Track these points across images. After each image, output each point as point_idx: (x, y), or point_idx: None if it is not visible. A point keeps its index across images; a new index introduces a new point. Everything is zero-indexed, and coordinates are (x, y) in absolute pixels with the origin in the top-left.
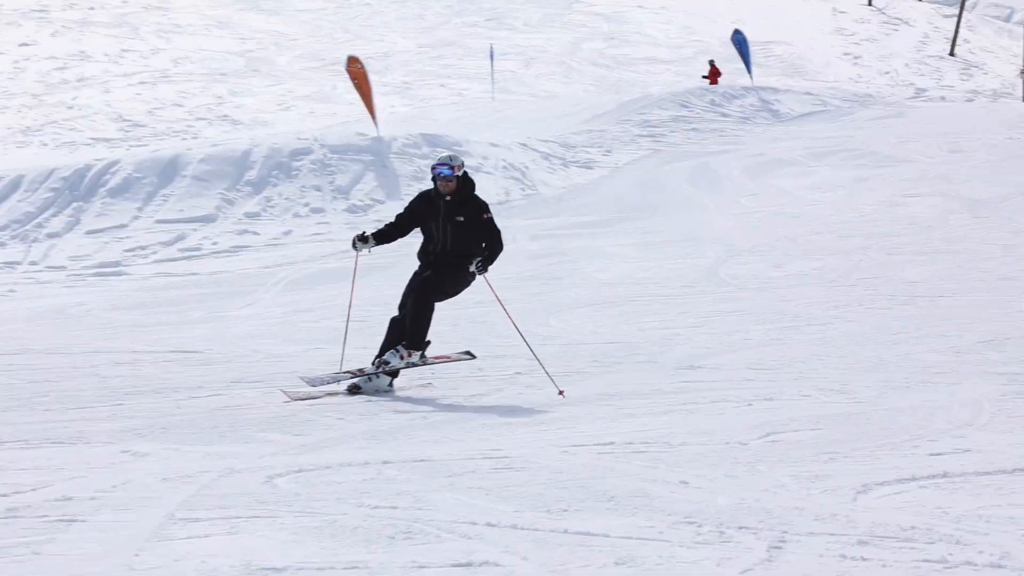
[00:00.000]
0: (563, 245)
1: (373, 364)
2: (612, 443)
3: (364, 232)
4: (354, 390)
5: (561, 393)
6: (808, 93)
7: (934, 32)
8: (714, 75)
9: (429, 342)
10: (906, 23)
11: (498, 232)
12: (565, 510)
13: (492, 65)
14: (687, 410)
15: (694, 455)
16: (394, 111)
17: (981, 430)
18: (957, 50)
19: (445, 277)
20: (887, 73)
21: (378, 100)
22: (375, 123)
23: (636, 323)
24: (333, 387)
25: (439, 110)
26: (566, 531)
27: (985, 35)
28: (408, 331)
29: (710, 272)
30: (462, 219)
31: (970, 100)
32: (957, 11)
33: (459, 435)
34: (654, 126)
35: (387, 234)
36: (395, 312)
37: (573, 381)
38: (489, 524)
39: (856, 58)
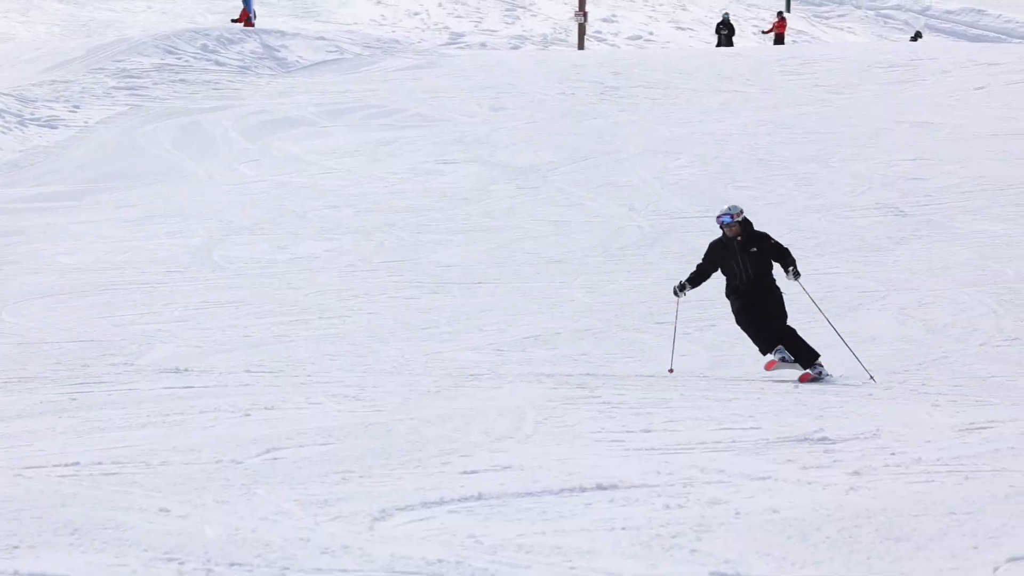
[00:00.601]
0: (19, 222)
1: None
2: (77, 464)
3: (682, 281)
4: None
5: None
6: (321, 38)
7: None
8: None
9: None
10: None
11: (787, 248)
12: (16, 547)
13: None
14: (171, 422)
15: (177, 477)
16: None
17: (523, 443)
18: None
19: (773, 306)
20: (417, 15)
21: None
22: None
23: (110, 317)
24: None
25: None
26: (16, 572)
27: None
28: (801, 357)
29: (201, 254)
30: (755, 251)
31: (515, 48)
32: None
33: None
34: (133, 76)
35: (697, 280)
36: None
37: (31, 390)
38: None
39: None
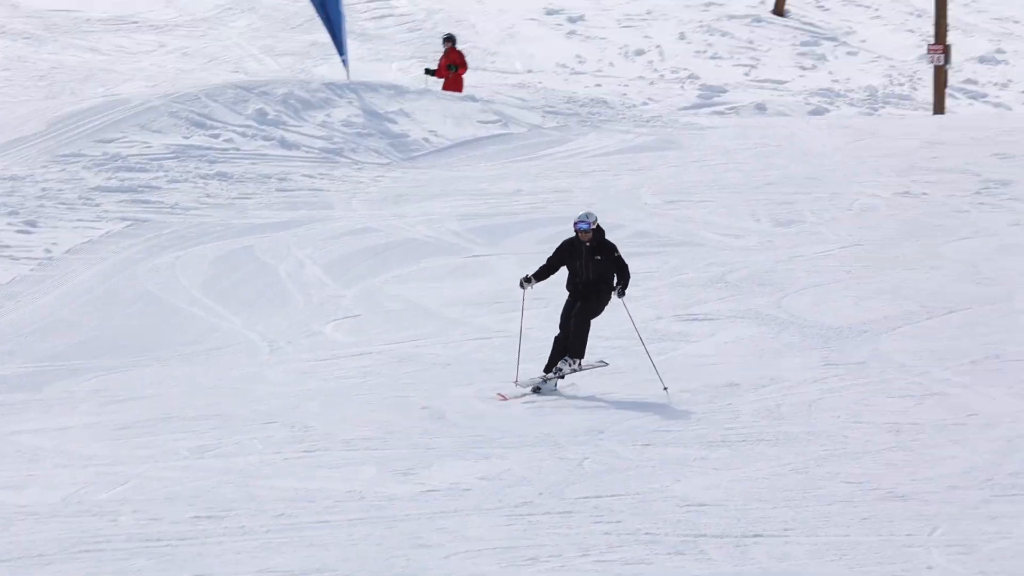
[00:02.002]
0: None
1: (551, 372)
2: None
3: (528, 275)
4: (535, 391)
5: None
6: (471, 98)
7: None
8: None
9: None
10: None
11: (627, 265)
12: None
13: None
14: None
15: None
16: None
17: None
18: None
19: (593, 302)
20: (643, 54)
21: None
22: None
23: None
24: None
25: None
26: None
27: None
28: (572, 345)
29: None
30: (599, 258)
31: (819, 112)
32: None
33: None
34: (133, 169)
35: (543, 275)
36: (556, 332)
37: None
38: None
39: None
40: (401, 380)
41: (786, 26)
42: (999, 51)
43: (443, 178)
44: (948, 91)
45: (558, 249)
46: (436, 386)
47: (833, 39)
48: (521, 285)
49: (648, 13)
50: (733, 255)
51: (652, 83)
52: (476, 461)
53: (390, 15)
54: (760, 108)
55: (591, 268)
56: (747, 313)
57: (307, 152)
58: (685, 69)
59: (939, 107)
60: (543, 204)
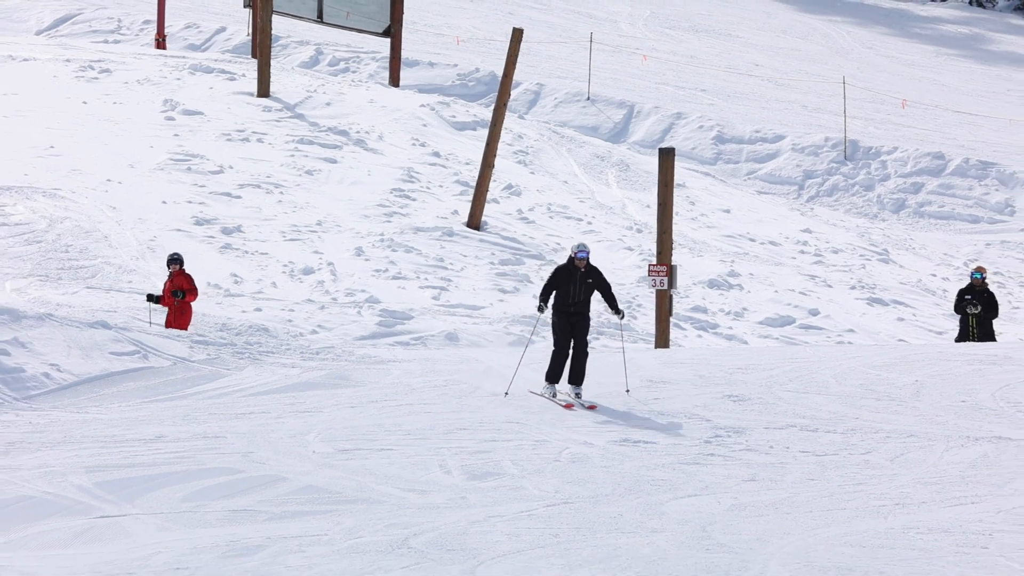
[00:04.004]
0: None
1: (575, 396)
2: None
3: (539, 304)
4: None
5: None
6: (101, 324)
7: None
8: None
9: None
10: None
11: (609, 283)
12: None
13: None
14: None
15: None
16: None
17: None
18: None
19: (585, 328)
20: (299, 276)
21: None
22: None
23: None
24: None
25: None
26: None
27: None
28: (579, 376)
29: None
30: (590, 281)
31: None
32: None
33: None
34: None
35: (547, 298)
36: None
37: None
38: None
39: None
40: None
41: (483, 241)
42: (732, 273)
43: (66, 421)
44: (673, 320)
45: (554, 274)
46: None
47: (538, 256)
48: (540, 309)
49: (319, 224)
50: (418, 514)
51: (323, 307)
52: None
53: (3, 224)
54: (451, 338)
55: (582, 290)
56: None
57: None
58: (363, 291)
59: (662, 339)
60: (190, 453)
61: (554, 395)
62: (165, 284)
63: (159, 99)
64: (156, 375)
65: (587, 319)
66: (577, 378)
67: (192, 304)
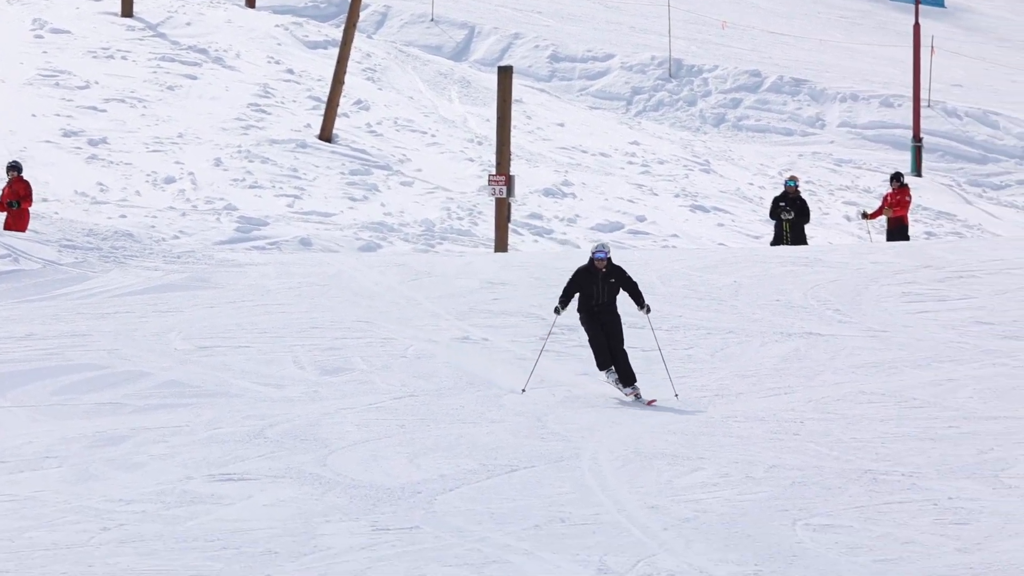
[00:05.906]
0: None
1: (629, 388)
2: None
3: (557, 306)
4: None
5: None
6: None
7: None
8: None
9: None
10: None
11: (635, 281)
12: None
13: None
14: None
15: None
16: None
17: None
18: None
19: (617, 326)
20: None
21: None
22: None
23: None
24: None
25: None
26: None
27: None
28: (627, 375)
29: None
30: (613, 281)
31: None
32: None
33: None
34: None
35: (567, 301)
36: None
37: None
38: None
39: None
40: None
41: (334, 152)
42: (566, 183)
43: None
44: (511, 226)
45: (575, 276)
46: None
47: (386, 167)
48: (556, 311)
49: (180, 136)
50: (273, 407)
51: (184, 214)
52: None
53: None
54: (305, 243)
55: (606, 291)
56: (289, 472)
57: None
58: (221, 199)
59: (501, 244)
60: (59, 350)
61: (616, 381)
62: (4, 190)
63: (28, 18)
64: (27, 277)
65: (616, 316)
66: (626, 378)
67: (28, 210)
